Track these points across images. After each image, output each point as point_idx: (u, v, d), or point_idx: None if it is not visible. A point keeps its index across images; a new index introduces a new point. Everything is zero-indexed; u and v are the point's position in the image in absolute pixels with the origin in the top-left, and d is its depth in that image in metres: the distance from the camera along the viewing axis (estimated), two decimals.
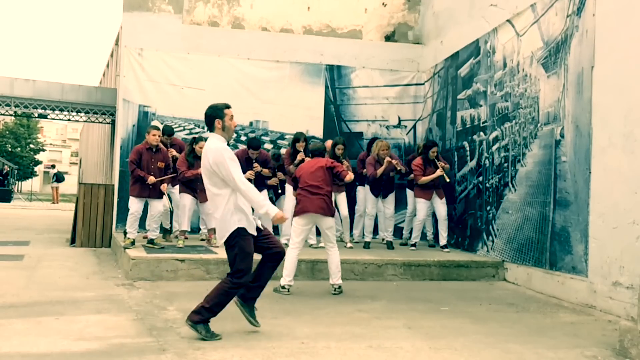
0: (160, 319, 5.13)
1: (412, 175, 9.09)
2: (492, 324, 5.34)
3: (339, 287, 6.49)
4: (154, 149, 7.98)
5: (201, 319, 4.47)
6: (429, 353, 4.35)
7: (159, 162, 7.99)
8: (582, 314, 5.97)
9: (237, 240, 4.51)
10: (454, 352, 4.38)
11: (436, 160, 8.75)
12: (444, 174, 8.65)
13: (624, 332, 4.44)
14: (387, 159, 8.67)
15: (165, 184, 8.06)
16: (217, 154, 4.48)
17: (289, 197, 8.42)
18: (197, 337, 4.44)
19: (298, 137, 8.54)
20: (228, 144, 4.69)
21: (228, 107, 4.75)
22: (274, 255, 4.75)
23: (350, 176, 6.59)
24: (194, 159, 8.05)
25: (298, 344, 4.45)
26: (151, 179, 7.83)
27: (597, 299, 6.08)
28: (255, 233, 4.61)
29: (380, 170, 8.66)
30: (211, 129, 4.70)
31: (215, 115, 4.67)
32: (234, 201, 4.53)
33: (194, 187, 8.17)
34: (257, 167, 8.38)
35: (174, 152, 8.65)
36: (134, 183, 7.97)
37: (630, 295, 5.56)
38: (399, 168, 8.80)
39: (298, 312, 5.53)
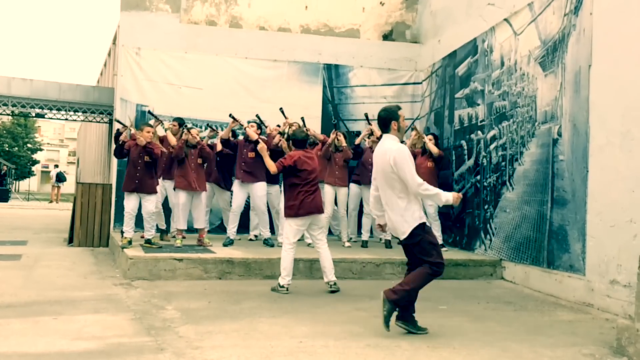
0: (159, 319, 5.12)
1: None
2: (490, 323, 5.35)
3: (334, 283, 6.48)
4: (144, 145, 7.94)
5: (396, 298, 4.66)
6: (427, 352, 4.35)
7: (145, 156, 7.91)
8: (580, 312, 5.98)
9: (423, 235, 4.74)
10: (452, 351, 4.38)
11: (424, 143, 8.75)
12: (429, 146, 8.65)
13: (621, 330, 4.45)
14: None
15: (155, 125, 8.17)
16: (400, 154, 4.66)
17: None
18: (384, 313, 4.64)
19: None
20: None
21: (400, 108, 4.98)
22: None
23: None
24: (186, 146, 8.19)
25: (296, 342, 4.45)
26: (123, 136, 8.10)
27: (595, 297, 6.09)
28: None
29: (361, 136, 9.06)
30: (386, 130, 4.87)
31: (391, 117, 4.85)
32: (412, 199, 4.73)
33: (188, 175, 8.11)
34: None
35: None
36: (125, 177, 8.04)
37: (628, 294, 5.57)
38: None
39: (296, 311, 5.53)
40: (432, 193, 4.72)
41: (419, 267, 4.82)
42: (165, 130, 8.63)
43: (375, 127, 8.75)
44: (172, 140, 8.28)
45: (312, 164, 6.46)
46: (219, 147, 8.62)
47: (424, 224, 4.77)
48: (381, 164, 4.76)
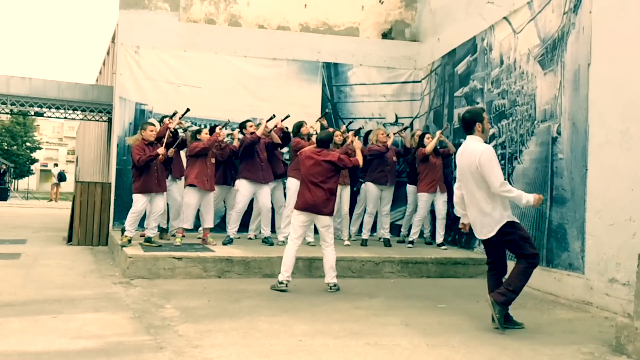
0: (158, 317, 5.12)
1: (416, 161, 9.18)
2: (489, 321, 5.34)
3: (334, 285, 6.48)
4: (152, 144, 7.96)
5: (505, 300, 4.84)
6: (427, 350, 4.35)
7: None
8: (579, 310, 5.99)
9: (514, 231, 4.90)
10: (452, 349, 4.39)
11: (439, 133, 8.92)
12: (443, 138, 8.92)
13: (620, 329, 4.45)
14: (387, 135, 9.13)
15: (172, 149, 8.07)
16: (485, 155, 4.83)
17: (294, 191, 8.31)
18: (493, 315, 4.86)
19: (300, 123, 8.74)
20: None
21: (484, 110, 5.24)
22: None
23: (358, 157, 6.74)
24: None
25: (296, 341, 4.46)
26: (161, 150, 7.81)
27: (594, 295, 6.10)
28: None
29: (389, 141, 9.10)
30: (471, 132, 5.08)
31: (476, 118, 5.03)
32: (498, 199, 4.87)
33: (204, 173, 8.08)
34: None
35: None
36: (137, 178, 7.89)
37: (627, 292, 5.58)
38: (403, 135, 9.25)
39: (296, 310, 5.53)
40: (513, 195, 4.85)
41: (502, 263, 5.10)
42: (185, 131, 8.71)
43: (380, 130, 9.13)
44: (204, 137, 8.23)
45: (313, 166, 6.44)
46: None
47: (512, 222, 4.93)
48: (467, 164, 4.95)
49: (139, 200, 7.89)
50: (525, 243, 4.92)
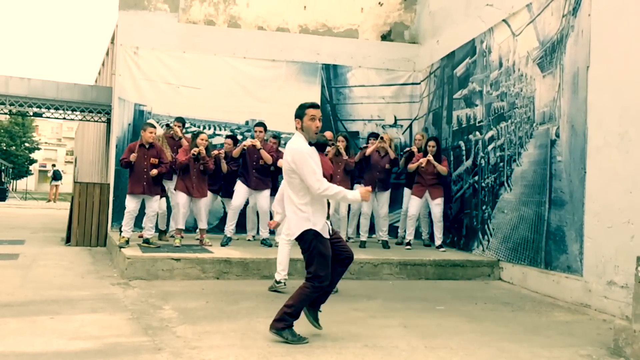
0: (156, 318, 5.12)
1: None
2: (487, 323, 5.35)
3: None
4: (148, 146, 7.96)
5: (286, 324, 4.44)
6: (425, 352, 4.35)
7: (151, 157, 7.95)
8: (577, 313, 5.99)
9: (315, 244, 4.41)
10: (450, 351, 4.39)
11: (430, 154, 8.75)
12: (432, 162, 8.67)
13: (618, 331, 4.45)
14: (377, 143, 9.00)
15: (155, 170, 7.92)
16: (298, 153, 4.38)
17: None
18: (281, 341, 4.40)
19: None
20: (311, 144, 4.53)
21: (313, 105, 4.56)
22: (345, 260, 4.68)
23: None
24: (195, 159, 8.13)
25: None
26: (132, 156, 7.81)
27: (592, 298, 6.10)
28: (328, 236, 4.51)
29: (370, 150, 8.97)
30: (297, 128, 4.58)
31: (296, 114, 4.55)
32: (314, 201, 4.45)
33: (189, 181, 8.14)
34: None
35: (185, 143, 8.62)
36: (128, 179, 8.02)
37: (625, 295, 5.58)
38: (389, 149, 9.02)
39: None
40: (333, 193, 4.39)
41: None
42: (179, 140, 8.74)
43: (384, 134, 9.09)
44: (182, 154, 8.21)
45: None
46: (225, 167, 8.70)
47: (317, 232, 4.41)
48: (284, 161, 4.54)
49: (129, 201, 7.99)
50: (319, 262, 4.39)
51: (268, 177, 8.63)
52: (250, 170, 8.48)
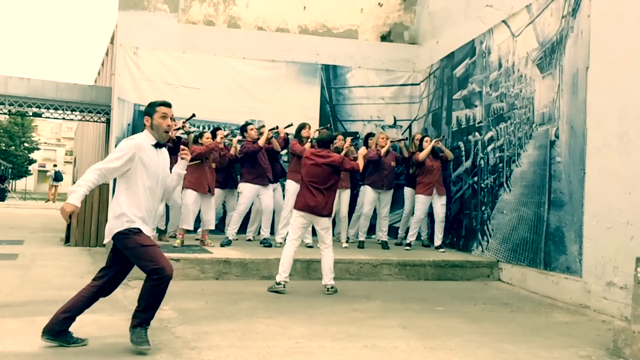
0: (155, 319, 5.07)
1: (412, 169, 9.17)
2: (486, 324, 5.35)
3: (332, 287, 6.47)
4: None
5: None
6: (424, 352, 4.35)
7: None
8: (576, 314, 5.99)
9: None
10: (449, 352, 4.39)
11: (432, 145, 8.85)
12: (440, 146, 8.88)
13: (617, 332, 4.46)
14: (384, 141, 9.06)
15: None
16: (122, 142, 4.26)
17: (292, 193, 8.30)
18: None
19: (303, 125, 8.77)
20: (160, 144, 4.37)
21: (164, 104, 4.45)
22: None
23: (360, 162, 6.67)
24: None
25: (293, 343, 4.45)
26: None
27: (591, 299, 6.10)
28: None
29: (383, 150, 9.00)
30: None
31: (145, 111, 4.42)
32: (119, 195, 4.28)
33: (204, 178, 8.10)
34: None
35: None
36: None
37: (624, 296, 5.58)
38: (401, 145, 9.27)
39: (293, 312, 5.53)
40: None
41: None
42: (188, 134, 8.67)
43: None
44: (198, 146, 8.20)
45: (313, 167, 6.43)
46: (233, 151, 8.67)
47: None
48: None
49: None
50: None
51: (272, 171, 8.71)
52: (260, 167, 8.47)
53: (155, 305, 4.20)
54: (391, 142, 9.20)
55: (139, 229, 4.21)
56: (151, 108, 4.43)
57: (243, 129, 8.79)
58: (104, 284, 4.33)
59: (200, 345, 4.30)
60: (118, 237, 4.21)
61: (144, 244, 4.16)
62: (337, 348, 4.36)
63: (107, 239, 4.29)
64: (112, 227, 4.24)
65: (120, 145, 4.26)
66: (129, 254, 4.22)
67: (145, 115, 4.43)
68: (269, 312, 5.44)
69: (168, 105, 4.50)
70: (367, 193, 9.09)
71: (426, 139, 8.97)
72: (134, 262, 4.25)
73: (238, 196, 8.70)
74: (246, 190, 8.48)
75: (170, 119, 4.46)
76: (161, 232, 8.99)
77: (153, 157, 4.31)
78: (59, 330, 4.17)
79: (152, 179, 4.29)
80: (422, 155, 8.75)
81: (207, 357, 4.05)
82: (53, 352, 4.06)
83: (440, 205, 8.83)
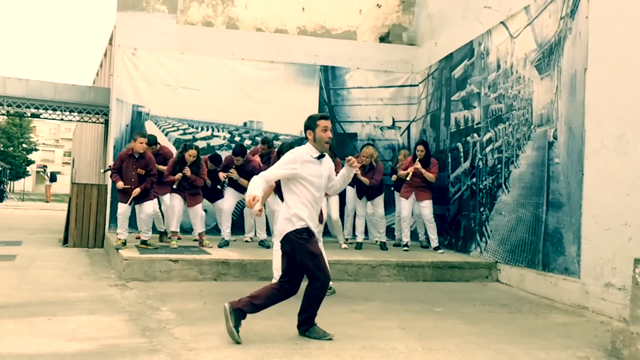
0: (154, 320, 5.11)
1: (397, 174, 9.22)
2: (485, 325, 5.35)
3: (330, 288, 6.46)
4: (137, 156, 7.95)
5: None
6: (423, 354, 4.35)
7: (139, 168, 7.95)
8: (575, 315, 6.00)
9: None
10: (447, 353, 4.39)
11: (418, 160, 8.70)
12: (420, 170, 8.61)
13: (616, 333, 4.46)
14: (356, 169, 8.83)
15: (137, 189, 7.89)
16: (288, 153, 4.61)
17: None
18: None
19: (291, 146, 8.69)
20: None
21: (324, 117, 4.65)
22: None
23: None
24: (181, 165, 8.05)
25: (291, 344, 4.45)
26: (119, 184, 7.97)
27: (590, 300, 6.11)
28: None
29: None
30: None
31: (306, 125, 4.64)
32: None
33: (183, 191, 8.19)
34: (232, 172, 8.45)
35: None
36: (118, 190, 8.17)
37: (623, 297, 5.59)
38: (360, 178, 8.69)
39: (292, 313, 5.50)
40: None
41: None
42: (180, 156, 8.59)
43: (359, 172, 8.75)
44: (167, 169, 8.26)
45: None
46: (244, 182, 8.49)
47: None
48: None
49: (120, 205, 8.10)
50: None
51: None
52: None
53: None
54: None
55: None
56: (312, 122, 4.58)
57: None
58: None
59: (198, 347, 4.30)
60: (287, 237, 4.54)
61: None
62: (336, 349, 4.36)
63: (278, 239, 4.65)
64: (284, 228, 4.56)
65: (289, 153, 4.55)
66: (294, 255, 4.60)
67: (307, 130, 4.58)
68: (268, 313, 5.43)
69: (327, 118, 4.69)
70: (349, 195, 9.28)
71: (419, 148, 8.77)
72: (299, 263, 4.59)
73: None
74: (228, 193, 8.64)
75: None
76: (162, 234, 9.00)
77: (315, 168, 4.54)
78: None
79: (315, 188, 4.56)
80: (402, 174, 8.87)
81: (205, 358, 4.05)
82: (51, 353, 4.06)
83: (423, 207, 8.80)
